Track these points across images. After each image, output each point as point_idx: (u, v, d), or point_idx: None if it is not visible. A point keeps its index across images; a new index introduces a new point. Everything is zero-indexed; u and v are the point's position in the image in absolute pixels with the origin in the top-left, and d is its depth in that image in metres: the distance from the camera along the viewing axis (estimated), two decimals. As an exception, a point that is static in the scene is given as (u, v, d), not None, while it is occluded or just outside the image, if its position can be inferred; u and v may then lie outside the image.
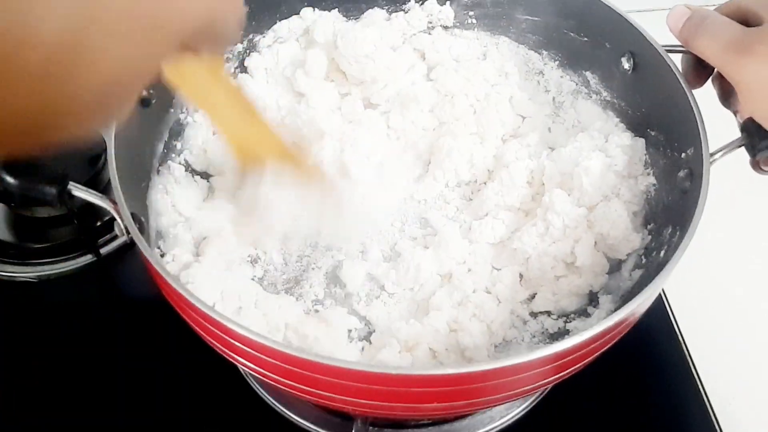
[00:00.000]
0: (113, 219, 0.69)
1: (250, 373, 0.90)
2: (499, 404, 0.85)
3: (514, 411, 0.89)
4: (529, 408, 0.89)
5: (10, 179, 0.69)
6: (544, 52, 0.99)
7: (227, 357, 0.67)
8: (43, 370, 0.92)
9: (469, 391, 0.62)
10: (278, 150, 0.80)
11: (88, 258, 1.02)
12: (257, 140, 0.79)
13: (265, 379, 0.66)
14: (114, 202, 0.69)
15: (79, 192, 0.70)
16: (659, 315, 0.98)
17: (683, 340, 0.96)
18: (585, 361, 0.66)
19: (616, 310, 0.63)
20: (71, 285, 1.01)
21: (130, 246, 0.66)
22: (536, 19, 0.97)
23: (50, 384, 0.91)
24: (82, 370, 0.92)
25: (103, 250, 1.02)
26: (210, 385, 0.90)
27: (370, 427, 0.84)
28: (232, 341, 0.62)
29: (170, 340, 0.90)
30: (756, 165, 0.76)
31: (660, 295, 0.99)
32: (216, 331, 0.63)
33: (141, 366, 0.92)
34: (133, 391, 0.91)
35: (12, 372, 0.93)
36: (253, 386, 0.90)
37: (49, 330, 0.97)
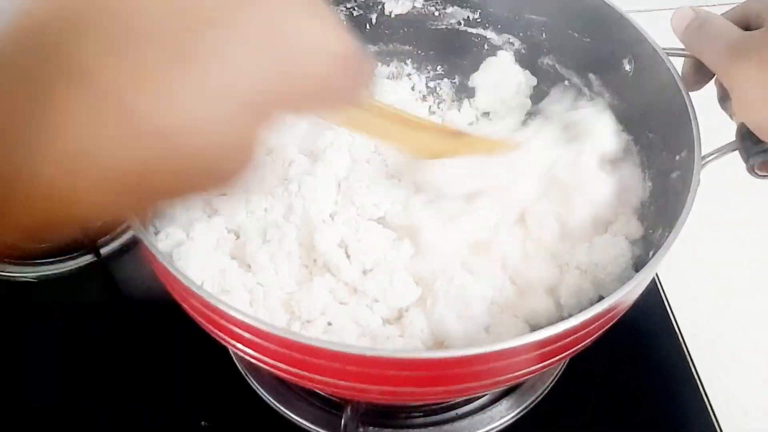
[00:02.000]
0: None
1: (249, 373, 0.94)
2: (482, 391, 0.89)
3: (514, 411, 0.92)
4: (529, 408, 0.93)
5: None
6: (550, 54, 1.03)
7: (213, 335, 0.70)
8: (43, 370, 0.96)
9: (447, 377, 0.65)
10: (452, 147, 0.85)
11: (88, 258, 1.06)
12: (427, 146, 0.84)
13: (247, 357, 0.69)
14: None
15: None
16: (659, 315, 1.02)
17: (683, 339, 0.99)
18: (567, 352, 0.69)
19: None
20: (71, 285, 1.05)
21: (130, 246, 0.68)
22: (542, 19, 1.01)
23: (49, 383, 0.95)
24: (82, 371, 0.96)
25: (103, 250, 1.06)
26: (209, 385, 0.94)
27: (370, 428, 0.89)
28: (216, 317, 0.66)
29: (170, 340, 0.95)
30: (751, 169, 0.79)
31: (659, 295, 1.03)
32: (203, 308, 0.66)
33: (140, 366, 0.96)
34: (132, 390, 0.94)
35: (11, 372, 0.96)
36: (253, 386, 0.93)
37: (49, 330, 1.00)
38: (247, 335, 0.64)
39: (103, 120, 0.39)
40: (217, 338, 0.70)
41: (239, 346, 0.68)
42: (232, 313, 0.63)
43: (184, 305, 0.71)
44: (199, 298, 0.64)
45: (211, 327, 0.69)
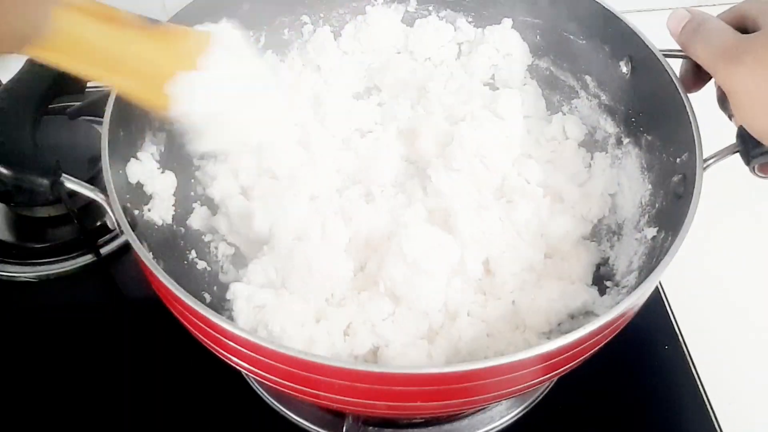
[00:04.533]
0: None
1: (250, 374, 0.91)
2: (488, 404, 0.88)
3: (514, 411, 0.90)
4: (529, 408, 0.91)
5: (3, 170, 0.70)
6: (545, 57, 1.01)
7: (213, 351, 0.69)
8: (43, 370, 0.94)
9: (453, 391, 0.63)
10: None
11: (88, 258, 1.04)
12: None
13: (250, 374, 0.69)
14: (106, 195, 0.70)
15: (71, 184, 0.71)
16: (660, 316, 1.00)
17: (683, 340, 0.98)
18: (570, 364, 0.68)
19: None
20: (71, 285, 1.03)
21: (130, 246, 0.67)
22: (537, 21, 0.99)
23: (50, 384, 0.93)
24: (82, 371, 0.94)
25: (103, 250, 1.04)
26: (210, 385, 0.92)
27: (370, 428, 0.86)
28: (217, 335, 0.64)
29: (170, 340, 0.91)
30: (753, 170, 0.77)
31: (660, 297, 1.01)
32: (201, 324, 0.65)
33: (141, 366, 0.94)
34: (133, 391, 0.92)
35: (12, 372, 0.94)
36: (253, 386, 0.92)
37: (49, 330, 0.98)
38: (253, 355, 0.63)
39: None
40: (226, 360, 0.69)
41: (243, 363, 0.66)
42: (238, 332, 0.61)
43: (185, 323, 0.69)
44: (204, 318, 0.63)
45: (216, 347, 0.67)
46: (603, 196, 0.93)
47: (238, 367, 0.69)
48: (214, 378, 0.90)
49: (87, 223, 1.03)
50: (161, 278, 0.64)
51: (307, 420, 0.89)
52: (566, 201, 0.92)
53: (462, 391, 0.63)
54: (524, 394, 0.90)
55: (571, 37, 0.95)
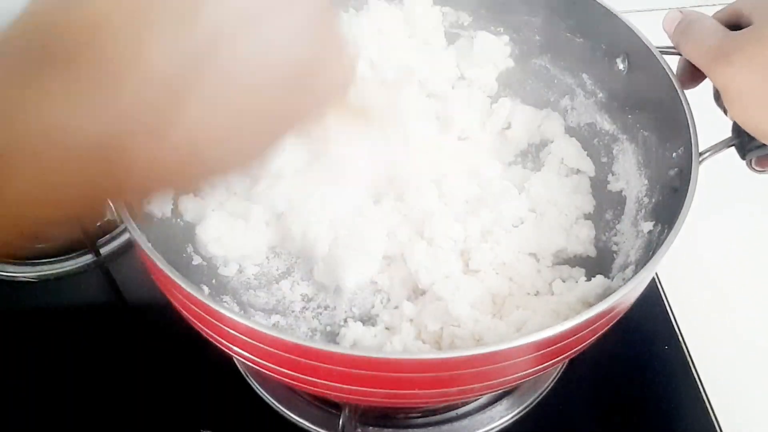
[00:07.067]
0: (114, 220, 0.71)
1: (249, 373, 0.92)
2: (482, 394, 0.87)
3: (514, 411, 0.90)
4: (529, 408, 0.91)
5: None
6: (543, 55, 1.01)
7: (213, 341, 0.69)
8: (44, 371, 0.94)
9: (448, 379, 0.64)
10: None
11: (88, 258, 1.04)
12: None
13: (247, 362, 0.68)
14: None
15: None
16: (660, 316, 1.00)
17: (683, 339, 0.98)
18: (568, 353, 0.68)
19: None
20: (71, 285, 1.03)
21: (130, 245, 0.67)
22: (534, 19, 0.99)
23: (50, 384, 0.93)
24: (82, 371, 0.94)
25: (103, 250, 1.04)
26: (210, 385, 0.92)
27: (369, 428, 0.87)
28: (217, 323, 0.64)
29: (170, 340, 0.92)
30: (749, 164, 0.78)
31: (660, 297, 1.02)
32: (201, 312, 0.65)
33: (140, 365, 0.94)
34: (132, 390, 0.92)
35: (12, 372, 0.95)
36: (252, 385, 0.92)
37: (49, 330, 0.99)
38: (248, 340, 0.63)
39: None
40: (226, 349, 0.69)
41: (242, 351, 0.66)
42: (238, 319, 0.61)
43: (183, 310, 0.70)
44: (200, 303, 0.63)
45: (212, 333, 0.68)
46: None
47: (237, 356, 0.69)
48: (213, 377, 0.92)
49: (87, 223, 1.03)
50: (161, 266, 0.64)
51: (302, 418, 0.89)
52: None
53: (460, 378, 0.63)
54: (524, 393, 0.91)
55: (569, 35, 0.96)
